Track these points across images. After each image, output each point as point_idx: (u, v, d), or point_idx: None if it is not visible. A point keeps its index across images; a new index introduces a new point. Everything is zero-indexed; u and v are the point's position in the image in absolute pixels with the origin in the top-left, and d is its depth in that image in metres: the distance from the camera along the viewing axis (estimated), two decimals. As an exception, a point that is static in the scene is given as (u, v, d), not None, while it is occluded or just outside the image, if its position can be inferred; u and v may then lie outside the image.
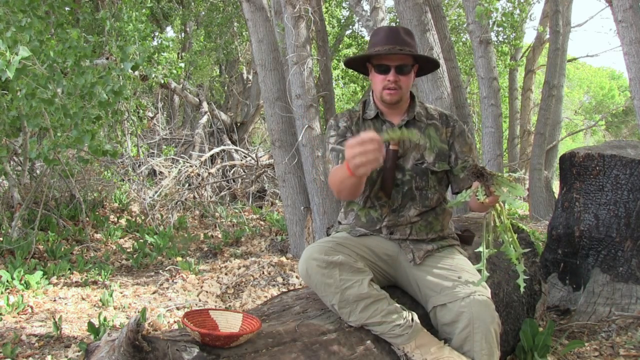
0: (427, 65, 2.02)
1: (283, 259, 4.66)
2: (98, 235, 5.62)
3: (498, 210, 1.62)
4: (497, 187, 1.54)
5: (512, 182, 1.54)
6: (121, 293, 3.87)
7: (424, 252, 1.88)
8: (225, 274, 4.35)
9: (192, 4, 10.84)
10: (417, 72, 2.03)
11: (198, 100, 9.87)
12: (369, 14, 5.11)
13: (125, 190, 7.04)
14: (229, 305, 3.65)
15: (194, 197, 7.26)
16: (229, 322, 1.61)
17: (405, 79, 1.90)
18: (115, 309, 3.54)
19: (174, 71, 7.19)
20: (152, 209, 6.39)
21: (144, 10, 6.09)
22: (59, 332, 2.95)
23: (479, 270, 1.61)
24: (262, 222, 6.85)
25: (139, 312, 3.36)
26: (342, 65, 11.36)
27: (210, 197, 7.52)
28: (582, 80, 24.54)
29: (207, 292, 3.90)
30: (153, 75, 6.72)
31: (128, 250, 5.26)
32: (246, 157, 8.66)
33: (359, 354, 1.64)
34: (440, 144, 1.96)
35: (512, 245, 1.60)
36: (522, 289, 1.61)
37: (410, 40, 1.90)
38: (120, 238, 5.69)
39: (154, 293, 3.91)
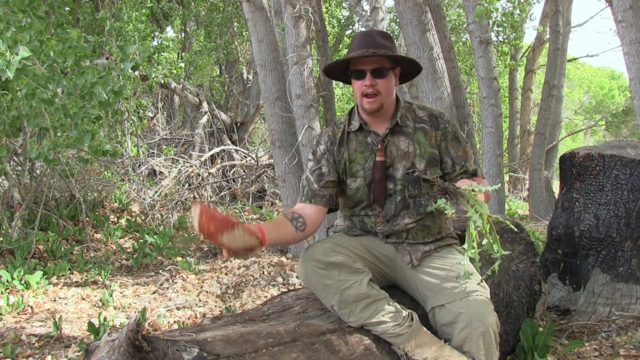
0: (410, 69, 1.93)
1: (283, 259, 4.66)
2: (98, 235, 5.62)
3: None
4: (464, 203, 1.59)
5: (478, 200, 1.58)
6: (121, 293, 3.87)
7: (421, 253, 1.87)
8: (225, 274, 4.35)
9: (192, 4, 10.85)
10: (403, 77, 1.96)
11: (198, 100, 9.87)
12: (369, 14, 5.12)
13: (125, 190, 7.04)
14: (229, 305, 3.65)
15: (194, 197, 7.26)
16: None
17: (383, 82, 1.81)
18: (115, 309, 3.53)
19: (174, 71, 7.19)
20: (152, 209, 6.39)
21: (144, 10, 6.09)
22: (59, 332, 2.95)
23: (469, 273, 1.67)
24: (262, 222, 6.84)
25: (139, 312, 3.36)
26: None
27: (210, 197, 7.52)
28: (582, 80, 24.54)
29: (207, 292, 3.90)
30: (153, 75, 6.72)
31: (128, 250, 5.26)
32: (246, 157, 8.66)
33: (359, 354, 1.64)
34: (430, 149, 1.89)
35: (494, 246, 1.62)
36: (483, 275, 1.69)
37: (386, 42, 1.83)
38: (120, 238, 5.68)
39: (154, 293, 3.91)
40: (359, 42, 1.83)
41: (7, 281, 3.77)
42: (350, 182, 1.91)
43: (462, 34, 11.22)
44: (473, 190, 1.59)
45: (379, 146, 1.87)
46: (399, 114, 1.89)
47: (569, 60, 11.27)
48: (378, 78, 1.81)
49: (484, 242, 1.62)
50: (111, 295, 3.63)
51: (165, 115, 11.37)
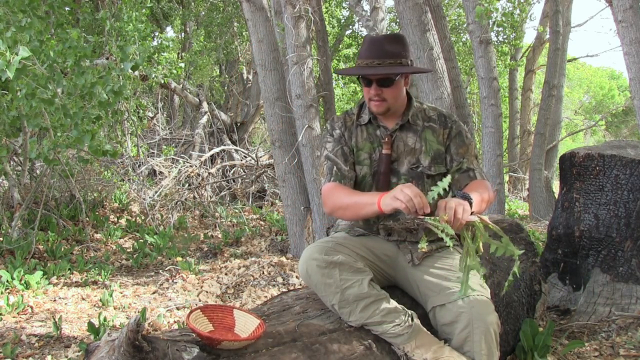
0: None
1: (283, 259, 4.66)
2: (98, 235, 5.62)
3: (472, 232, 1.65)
4: (435, 231, 1.59)
5: (444, 225, 1.58)
6: (121, 293, 3.87)
7: (422, 252, 1.87)
8: (225, 274, 4.34)
9: (192, 4, 10.85)
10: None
11: (198, 100, 9.86)
12: (369, 14, 5.12)
13: (125, 190, 7.04)
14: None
15: (194, 197, 7.26)
16: (246, 325, 1.61)
17: (389, 90, 1.86)
18: (115, 309, 3.53)
19: (174, 71, 7.18)
20: (152, 209, 6.39)
21: (144, 10, 6.09)
22: (59, 332, 2.95)
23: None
24: (262, 222, 6.85)
25: (139, 312, 3.36)
26: (342, 65, 11.38)
27: (210, 197, 7.52)
28: (582, 80, 24.54)
29: (207, 292, 3.90)
30: (153, 75, 6.72)
31: (128, 250, 5.26)
32: (246, 157, 8.65)
33: (359, 354, 1.64)
34: (436, 147, 1.94)
35: (508, 247, 1.62)
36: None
37: (395, 49, 1.83)
38: (120, 238, 5.68)
39: (154, 293, 3.91)
40: (366, 49, 1.85)
41: (7, 281, 3.77)
42: (358, 169, 1.95)
43: (462, 34, 11.21)
44: (431, 219, 1.60)
45: (386, 139, 1.92)
46: (410, 113, 1.95)
47: (569, 60, 11.27)
48: (384, 87, 1.86)
49: (492, 248, 1.62)
50: (111, 295, 3.63)
51: (165, 115, 11.37)
